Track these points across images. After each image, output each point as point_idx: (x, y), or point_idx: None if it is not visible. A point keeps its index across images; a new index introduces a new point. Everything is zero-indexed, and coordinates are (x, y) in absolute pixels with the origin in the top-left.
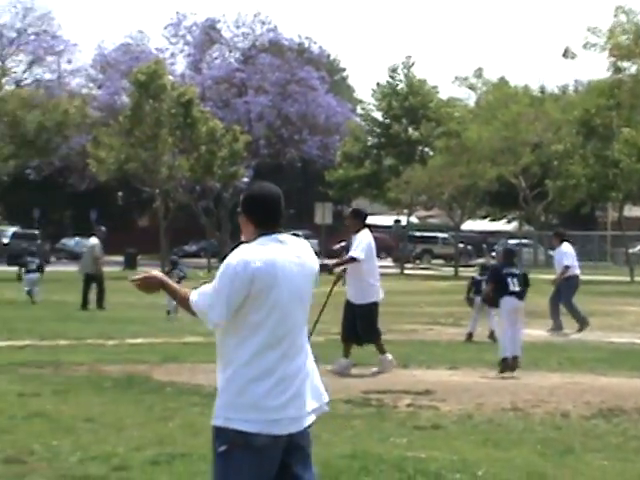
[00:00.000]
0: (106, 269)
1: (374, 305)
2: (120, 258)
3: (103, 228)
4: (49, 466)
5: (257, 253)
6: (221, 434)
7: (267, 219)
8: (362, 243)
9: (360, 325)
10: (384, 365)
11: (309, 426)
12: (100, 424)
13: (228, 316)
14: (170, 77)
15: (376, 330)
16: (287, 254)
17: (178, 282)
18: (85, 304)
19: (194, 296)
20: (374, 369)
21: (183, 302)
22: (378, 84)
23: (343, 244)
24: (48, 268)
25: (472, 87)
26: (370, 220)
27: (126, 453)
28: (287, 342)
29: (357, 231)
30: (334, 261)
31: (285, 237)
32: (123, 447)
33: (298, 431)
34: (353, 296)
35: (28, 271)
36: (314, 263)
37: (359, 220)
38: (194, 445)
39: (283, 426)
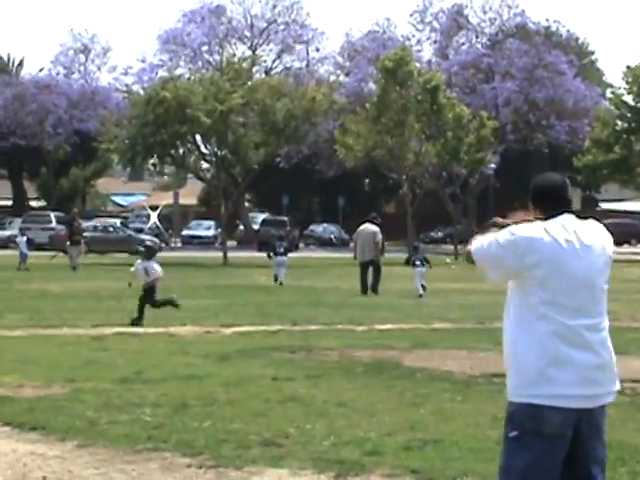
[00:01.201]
0: (351, 254)
1: None
2: None
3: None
4: (304, 449)
5: (537, 231)
6: (514, 417)
7: (553, 208)
8: None
9: None
10: None
11: (601, 408)
12: (352, 409)
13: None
14: (417, 64)
15: None
16: (570, 237)
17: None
18: (365, 289)
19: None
20: None
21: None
22: (629, 67)
23: None
24: (297, 254)
25: None
26: (620, 206)
27: (378, 438)
28: (576, 322)
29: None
30: None
31: (572, 221)
32: (375, 432)
33: (589, 411)
34: None
35: (276, 254)
36: (603, 246)
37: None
38: (446, 431)
39: (577, 402)
